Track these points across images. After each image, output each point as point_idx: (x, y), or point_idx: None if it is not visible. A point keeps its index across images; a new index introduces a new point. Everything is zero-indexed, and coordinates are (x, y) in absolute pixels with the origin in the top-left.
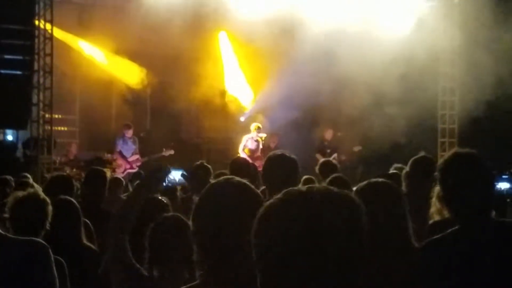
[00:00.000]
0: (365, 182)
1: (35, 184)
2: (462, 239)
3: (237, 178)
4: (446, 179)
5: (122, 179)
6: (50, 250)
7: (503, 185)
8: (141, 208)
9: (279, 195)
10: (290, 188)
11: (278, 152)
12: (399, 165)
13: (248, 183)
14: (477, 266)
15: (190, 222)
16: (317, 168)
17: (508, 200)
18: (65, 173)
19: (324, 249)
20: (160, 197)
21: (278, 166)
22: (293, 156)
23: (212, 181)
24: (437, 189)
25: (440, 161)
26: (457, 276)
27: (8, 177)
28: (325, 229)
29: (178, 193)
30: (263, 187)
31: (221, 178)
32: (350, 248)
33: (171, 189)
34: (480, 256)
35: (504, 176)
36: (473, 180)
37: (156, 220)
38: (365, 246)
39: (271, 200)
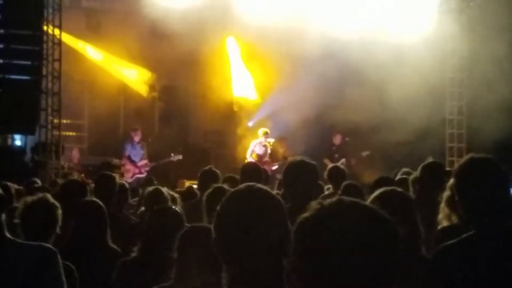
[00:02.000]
0: (379, 191)
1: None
2: (477, 245)
3: (259, 185)
4: (462, 184)
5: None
6: (58, 255)
7: None
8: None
9: (314, 207)
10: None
11: (298, 158)
12: (407, 169)
13: (269, 189)
14: (493, 272)
15: (212, 230)
16: (325, 174)
17: None
18: (79, 179)
19: (357, 261)
20: (174, 207)
21: (300, 172)
22: (313, 162)
23: (219, 185)
24: (445, 194)
25: (456, 165)
26: (472, 282)
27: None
28: (356, 242)
29: None
30: (276, 191)
31: (243, 185)
32: (381, 265)
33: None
34: (496, 262)
35: None
36: (488, 184)
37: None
38: (396, 265)
39: (309, 213)
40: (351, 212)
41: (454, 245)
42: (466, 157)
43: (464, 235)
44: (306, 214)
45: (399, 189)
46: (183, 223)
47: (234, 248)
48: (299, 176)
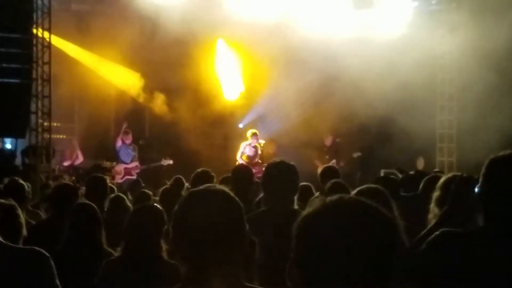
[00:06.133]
0: (359, 188)
1: None
2: (487, 238)
3: (218, 186)
4: (493, 175)
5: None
6: (51, 259)
7: None
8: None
9: (318, 205)
10: (327, 198)
11: (277, 159)
12: (388, 170)
13: (228, 191)
14: (500, 269)
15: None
16: (318, 174)
17: None
18: (71, 183)
19: (358, 257)
20: (155, 204)
21: (278, 174)
22: (292, 162)
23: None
24: (435, 194)
25: (491, 156)
26: (473, 275)
27: None
28: (357, 239)
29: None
30: (261, 195)
31: (202, 186)
32: (381, 260)
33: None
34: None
35: None
36: None
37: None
38: (395, 260)
39: (312, 210)
40: (353, 209)
41: (458, 233)
42: (507, 151)
43: (472, 227)
44: (309, 210)
45: (374, 185)
46: (163, 220)
47: (190, 248)
48: (278, 177)
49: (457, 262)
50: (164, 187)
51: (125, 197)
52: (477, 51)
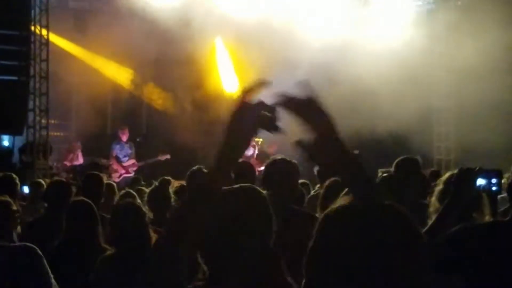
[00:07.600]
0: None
1: None
2: None
3: (251, 185)
4: None
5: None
6: (42, 255)
7: None
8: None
9: (340, 205)
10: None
11: (279, 156)
12: (385, 169)
13: (259, 189)
14: None
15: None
16: (315, 172)
17: None
18: (64, 179)
19: (377, 257)
20: (133, 202)
21: (280, 171)
22: (294, 160)
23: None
24: (437, 189)
25: None
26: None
27: None
28: (378, 239)
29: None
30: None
31: (236, 185)
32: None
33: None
34: None
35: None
36: None
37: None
38: (419, 258)
39: (332, 210)
40: (380, 211)
41: (483, 226)
42: None
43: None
44: (333, 206)
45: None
46: (143, 217)
47: (219, 247)
48: (280, 175)
49: (488, 252)
50: (150, 189)
51: (135, 194)
52: (474, 51)
